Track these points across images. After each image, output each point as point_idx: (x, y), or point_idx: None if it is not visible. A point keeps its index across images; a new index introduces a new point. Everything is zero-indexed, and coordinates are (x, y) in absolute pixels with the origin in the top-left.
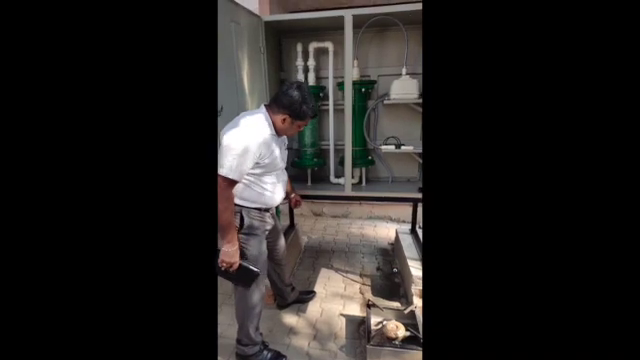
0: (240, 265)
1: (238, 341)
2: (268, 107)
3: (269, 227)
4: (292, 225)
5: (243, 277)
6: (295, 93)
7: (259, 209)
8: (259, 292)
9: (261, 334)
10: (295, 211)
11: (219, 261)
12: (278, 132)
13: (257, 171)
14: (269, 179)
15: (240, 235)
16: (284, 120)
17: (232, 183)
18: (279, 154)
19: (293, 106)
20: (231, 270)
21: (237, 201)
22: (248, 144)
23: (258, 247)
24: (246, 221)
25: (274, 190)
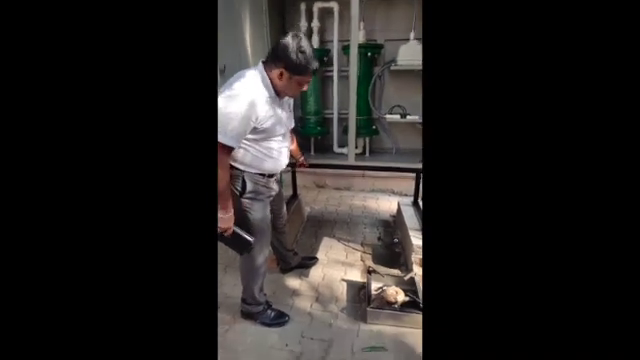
0: (233, 232)
1: (243, 300)
2: (265, 64)
3: (274, 193)
4: (295, 195)
5: (237, 244)
6: (291, 42)
7: (263, 175)
8: (263, 254)
9: (265, 295)
10: (298, 182)
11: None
12: (278, 92)
13: (258, 136)
14: (273, 144)
15: (244, 200)
16: (281, 75)
17: (227, 149)
18: (281, 117)
19: (289, 58)
20: (225, 234)
21: (239, 166)
22: (243, 107)
23: (262, 212)
24: (249, 186)
25: (278, 156)
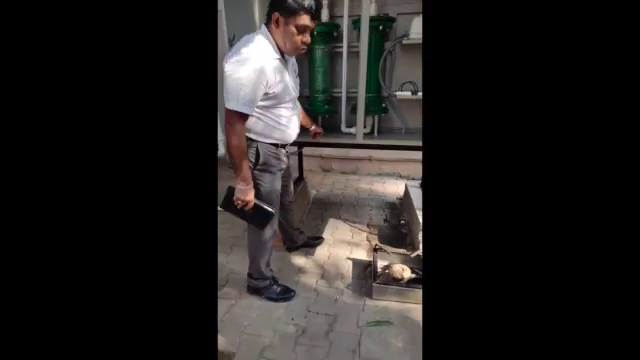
0: (255, 204)
1: (249, 275)
2: (267, 25)
3: (284, 166)
4: (301, 177)
5: (257, 217)
6: None
7: (275, 145)
8: (271, 229)
9: (271, 270)
10: (304, 167)
11: (234, 199)
12: (281, 48)
13: (268, 102)
14: (283, 111)
15: (255, 171)
16: (277, 22)
17: (242, 117)
18: (289, 81)
19: (279, 0)
20: (246, 209)
21: (251, 136)
22: (253, 71)
23: (272, 183)
24: (262, 157)
25: (289, 124)
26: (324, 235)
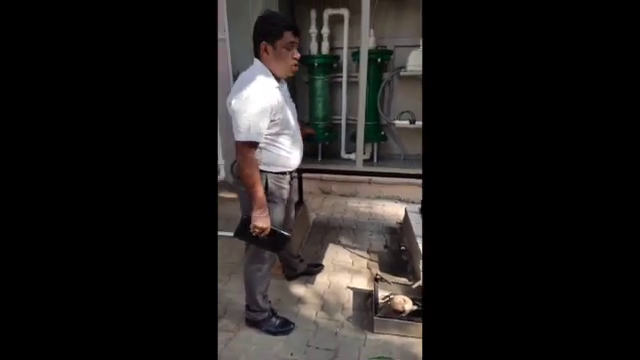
0: (272, 230)
1: (247, 307)
2: (258, 57)
3: (286, 196)
4: (301, 201)
5: (274, 242)
6: (258, 19)
7: (283, 173)
8: (271, 259)
9: (269, 301)
10: (304, 189)
11: (251, 227)
12: (276, 74)
13: (272, 130)
14: (285, 139)
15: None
16: (266, 50)
17: (253, 145)
18: (288, 107)
19: (260, 29)
20: (262, 236)
21: (262, 167)
22: (259, 101)
23: (277, 214)
24: (270, 187)
25: (292, 151)
26: (324, 262)
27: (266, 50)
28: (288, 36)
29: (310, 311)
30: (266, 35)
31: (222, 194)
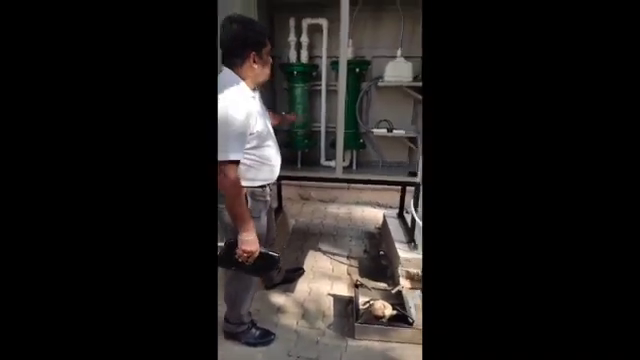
0: (260, 253)
1: (226, 320)
2: (228, 66)
3: (267, 206)
4: (280, 207)
5: (263, 265)
6: (236, 27)
7: (262, 186)
8: (258, 276)
9: (250, 313)
10: (283, 195)
11: (238, 251)
12: (253, 83)
13: (252, 144)
14: (267, 150)
15: None
16: (254, 60)
17: (235, 164)
18: (265, 117)
19: (250, 38)
20: (249, 260)
21: (243, 182)
22: (236, 116)
23: (263, 224)
24: (250, 202)
25: (274, 163)
26: (304, 268)
27: (254, 60)
28: (268, 43)
29: (290, 320)
30: (255, 45)
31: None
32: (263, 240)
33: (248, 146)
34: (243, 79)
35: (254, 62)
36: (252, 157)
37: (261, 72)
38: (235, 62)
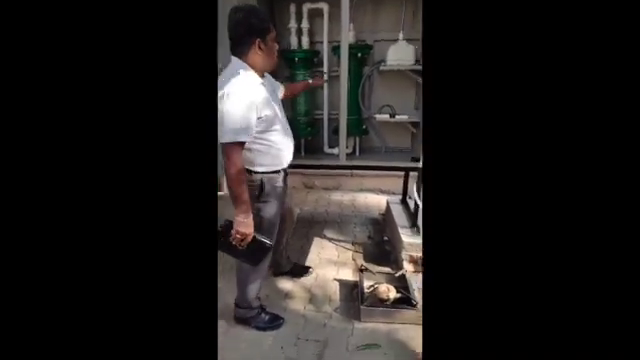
0: (254, 237)
1: (236, 304)
2: (235, 55)
3: (280, 193)
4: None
5: (253, 251)
6: (240, 15)
7: (274, 172)
8: (268, 257)
9: (259, 298)
10: (288, 183)
11: (233, 232)
12: (261, 70)
13: (260, 128)
14: (275, 136)
15: (258, 203)
16: (259, 46)
17: (238, 146)
18: (275, 102)
19: (254, 25)
20: (242, 244)
21: (253, 168)
22: (244, 99)
23: (272, 214)
24: (265, 188)
25: (282, 147)
26: (310, 255)
27: (260, 46)
28: (273, 28)
29: (298, 305)
30: (259, 32)
31: (222, 193)
32: (265, 226)
33: (257, 129)
34: (251, 66)
35: (259, 49)
36: (260, 142)
37: (267, 59)
38: (242, 50)
